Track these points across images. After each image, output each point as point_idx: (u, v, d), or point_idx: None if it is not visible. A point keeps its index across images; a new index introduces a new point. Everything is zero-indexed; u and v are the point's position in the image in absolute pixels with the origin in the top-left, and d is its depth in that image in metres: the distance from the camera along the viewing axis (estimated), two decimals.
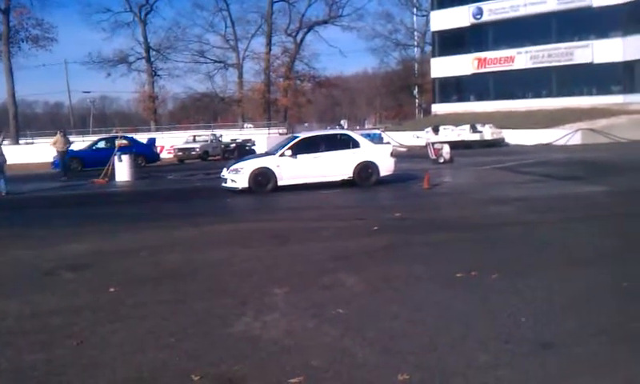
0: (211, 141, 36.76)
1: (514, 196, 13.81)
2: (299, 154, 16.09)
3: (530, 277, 6.51)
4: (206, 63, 61.50)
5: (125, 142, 27.97)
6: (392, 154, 17.04)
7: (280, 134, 49.16)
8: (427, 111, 61.37)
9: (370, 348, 4.57)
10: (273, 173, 15.96)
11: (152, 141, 34.02)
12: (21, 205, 16.45)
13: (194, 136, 39.07)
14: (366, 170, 16.43)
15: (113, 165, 22.10)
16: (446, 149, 24.10)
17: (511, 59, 48.41)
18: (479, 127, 37.80)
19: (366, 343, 4.67)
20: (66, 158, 23.83)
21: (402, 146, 39.07)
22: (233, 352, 4.60)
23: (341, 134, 18.50)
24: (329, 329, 5.03)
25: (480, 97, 51.29)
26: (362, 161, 16.40)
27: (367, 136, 38.58)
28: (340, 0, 61.28)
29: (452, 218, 11.06)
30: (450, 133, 36.11)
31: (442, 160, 23.72)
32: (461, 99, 53.52)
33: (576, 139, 36.20)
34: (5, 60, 49.83)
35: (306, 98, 65.23)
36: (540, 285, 6.20)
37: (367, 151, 16.63)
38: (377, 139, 36.55)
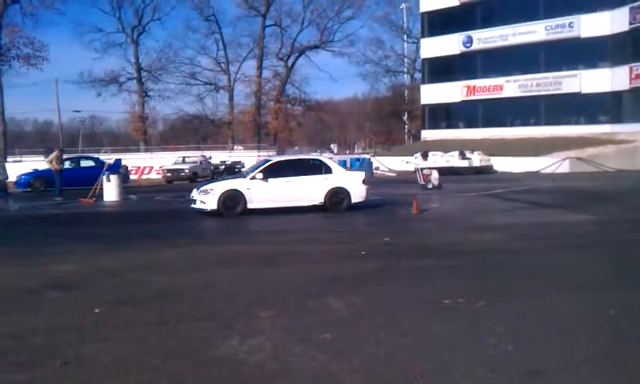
0: (200, 162, 36.73)
1: (501, 223, 13.89)
2: (271, 177, 15.99)
3: (517, 304, 6.52)
4: (197, 85, 61.68)
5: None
6: (364, 181, 16.90)
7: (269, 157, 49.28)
8: (416, 137, 61.73)
9: (356, 374, 4.54)
10: (242, 195, 15.79)
11: (118, 161, 33.58)
12: (8, 223, 16.31)
13: (184, 157, 39.01)
14: (338, 195, 16.33)
15: (101, 185, 21.97)
16: (435, 175, 24.21)
17: (500, 87, 48.87)
18: (468, 154, 38.06)
19: (352, 369, 4.64)
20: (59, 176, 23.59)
21: (391, 170, 39.25)
22: (218, 375, 4.56)
23: (313, 159, 18.21)
24: (315, 353, 4.99)
25: (469, 124, 51.68)
26: (333, 187, 16.30)
27: (357, 160, 38.97)
28: (331, 26, 61.90)
29: (440, 244, 11.07)
30: (438, 159, 36.35)
31: (430, 186, 23.81)
32: (450, 126, 53.89)
33: (564, 168, 36.54)
34: None
35: (296, 121, 65.53)
36: (527, 312, 6.22)
37: (339, 177, 16.56)
38: (366, 163, 36.77)
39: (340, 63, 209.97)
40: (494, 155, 39.20)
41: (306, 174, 16.40)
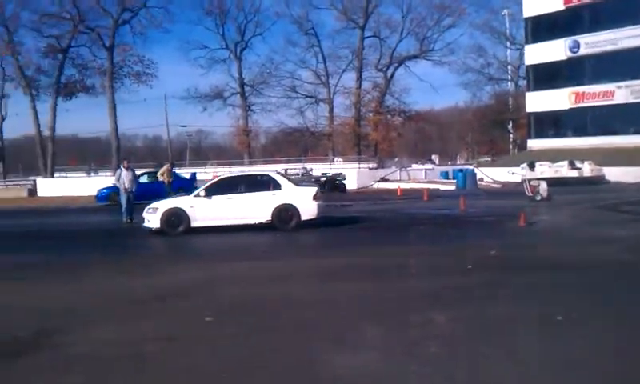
0: (302, 174, 37.33)
1: (615, 236, 13.18)
2: (215, 194, 15.56)
3: (637, 321, 6.17)
4: (297, 98, 62.86)
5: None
6: (316, 197, 16.00)
7: (370, 168, 49.31)
8: (522, 146, 59.72)
9: None
10: (186, 214, 15.36)
11: (193, 175, 34.40)
12: (126, 234, 17.23)
13: (286, 170, 39.72)
14: (286, 212, 15.55)
15: None
16: (544, 186, 23.30)
17: (611, 94, 46.43)
18: (578, 164, 36.41)
19: None
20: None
21: (495, 181, 38.15)
22: None
23: (262, 175, 17.36)
24: (421, 368, 4.95)
25: (578, 132, 49.35)
26: (281, 203, 15.55)
27: (459, 171, 38.23)
28: (431, 35, 61.21)
29: (550, 258, 10.66)
30: (546, 169, 34.92)
31: (539, 197, 22.92)
32: (557, 135, 51.70)
33: None
34: (109, 95, 53.03)
35: (396, 132, 65.16)
36: None
37: (288, 193, 15.73)
38: (469, 175, 36.02)
39: (440, 72, 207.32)
40: (605, 165, 37.28)
41: (252, 191, 15.80)
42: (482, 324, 6.28)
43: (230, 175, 18.15)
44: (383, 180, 42.85)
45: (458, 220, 15.81)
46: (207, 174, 42.13)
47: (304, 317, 6.79)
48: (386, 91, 61.84)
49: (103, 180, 36.14)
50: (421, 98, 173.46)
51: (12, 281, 9.77)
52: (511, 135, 68.82)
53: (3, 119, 57.19)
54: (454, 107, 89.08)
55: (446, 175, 44.16)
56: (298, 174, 37.27)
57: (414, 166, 53.86)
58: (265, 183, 16.09)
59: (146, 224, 15.63)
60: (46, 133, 54.14)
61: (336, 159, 59.67)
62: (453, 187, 35.67)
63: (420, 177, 45.57)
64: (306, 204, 15.65)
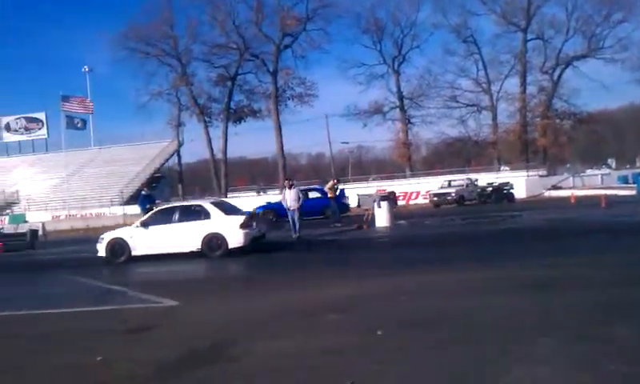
0: (467, 185, 36.46)
1: None
2: (153, 225, 16.56)
3: None
4: (458, 108, 61.53)
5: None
6: (243, 225, 16.25)
7: (539, 176, 47.05)
8: None
9: None
10: (127, 243, 16.58)
11: (342, 191, 34.28)
12: (299, 248, 17.91)
13: (449, 181, 39.11)
14: (214, 241, 16.09)
15: (372, 211, 23.04)
16: None
17: None
18: None
19: None
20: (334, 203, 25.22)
21: None
22: None
23: (195, 205, 17.70)
24: None
25: None
26: (209, 232, 16.12)
27: (638, 176, 35.27)
28: (600, 32, 57.12)
29: None
30: None
31: None
32: None
33: None
34: (274, 117, 55.78)
35: (566, 136, 61.55)
36: None
37: (216, 222, 16.26)
38: None
39: (612, 70, 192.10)
40: None
41: (186, 221, 16.45)
42: None
43: (166, 206, 19.15)
44: (555, 188, 40.77)
45: None
46: (370, 188, 42.66)
47: (473, 327, 6.61)
48: (554, 94, 58.61)
49: (271, 198, 37.95)
50: (592, 99, 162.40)
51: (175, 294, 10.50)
52: None
53: (180, 145, 62.33)
54: (630, 106, 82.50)
55: (624, 180, 41.07)
56: (462, 185, 36.45)
57: (588, 171, 50.56)
58: (197, 213, 16.77)
59: (97, 252, 16.96)
60: (219, 156, 58.24)
61: (502, 168, 57.58)
62: (633, 192, 33.06)
63: (595, 183, 42.78)
64: (233, 232, 16.18)
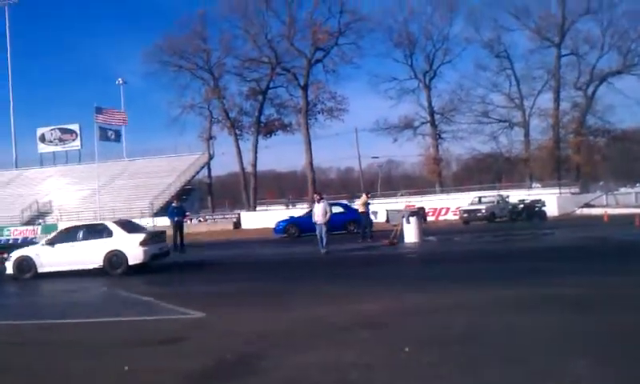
0: (498, 202, 36.01)
1: None
2: (58, 243, 17.18)
3: None
4: (490, 123, 61.02)
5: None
6: (143, 243, 16.80)
7: (572, 193, 46.35)
8: None
9: None
10: (33, 261, 17.07)
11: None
12: (327, 263, 17.87)
13: (480, 197, 38.67)
14: (117, 258, 16.63)
15: (401, 227, 22.87)
16: None
17: None
18: None
19: None
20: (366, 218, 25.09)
21: None
22: None
23: (99, 224, 18.77)
24: None
25: None
26: (111, 250, 16.68)
27: None
28: (635, 47, 56.23)
29: None
30: None
31: None
32: None
33: None
34: (304, 131, 55.97)
35: (600, 154, 60.58)
36: None
37: (117, 240, 16.83)
38: None
39: None
40: None
41: (89, 239, 17.04)
42: None
43: (72, 226, 19.80)
44: (587, 205, 40.11)
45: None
46: (399, 204, 42.44)
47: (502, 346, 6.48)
48: (587, 110, 57.77)
49: (300, 212, 37.95)
50: (628, 116, 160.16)
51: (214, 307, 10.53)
52: None
53: (211, 158, 62.96)
54: None
55: None
56: (493, 202, 36.01)
57: (622, 189, 49.64)
58: (100, 231, 17.36)
59: (6, 270, 17.31)
60: (249, 169, 58.58)
61: (534, 185, 56.87)
62: None
63: (629, 201, 41.98)
64: (133, 249, 16.71)
